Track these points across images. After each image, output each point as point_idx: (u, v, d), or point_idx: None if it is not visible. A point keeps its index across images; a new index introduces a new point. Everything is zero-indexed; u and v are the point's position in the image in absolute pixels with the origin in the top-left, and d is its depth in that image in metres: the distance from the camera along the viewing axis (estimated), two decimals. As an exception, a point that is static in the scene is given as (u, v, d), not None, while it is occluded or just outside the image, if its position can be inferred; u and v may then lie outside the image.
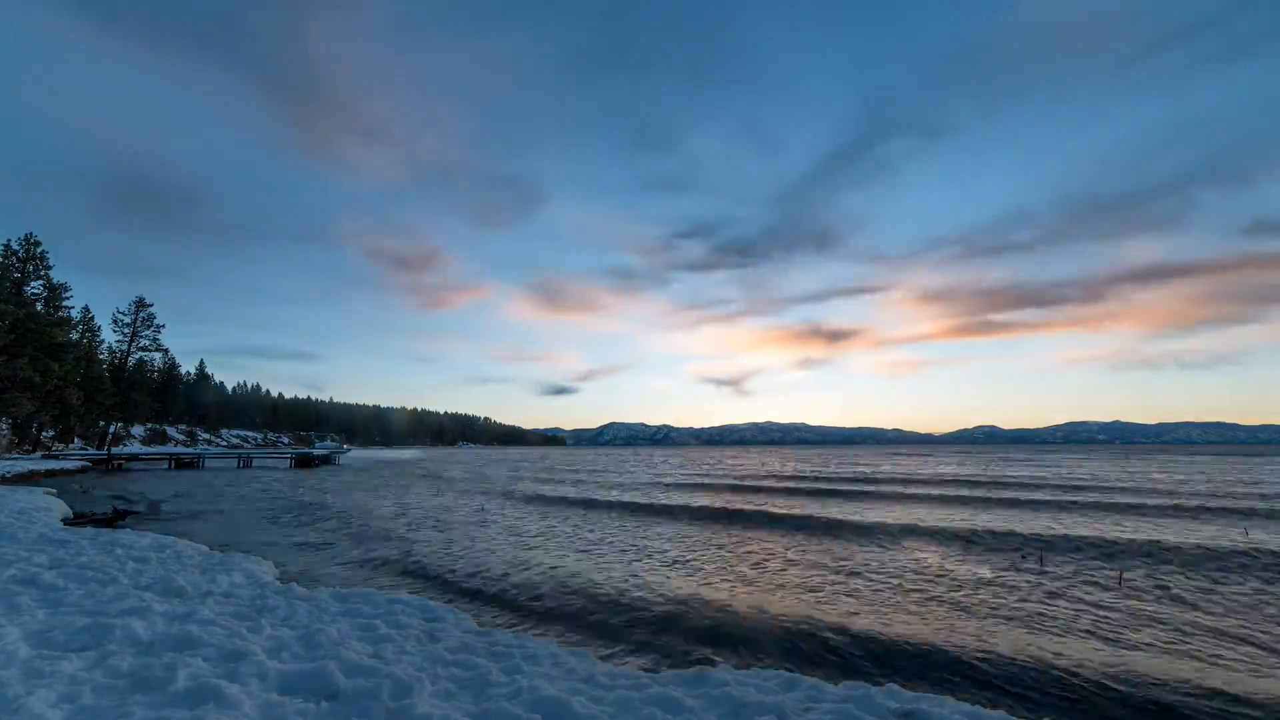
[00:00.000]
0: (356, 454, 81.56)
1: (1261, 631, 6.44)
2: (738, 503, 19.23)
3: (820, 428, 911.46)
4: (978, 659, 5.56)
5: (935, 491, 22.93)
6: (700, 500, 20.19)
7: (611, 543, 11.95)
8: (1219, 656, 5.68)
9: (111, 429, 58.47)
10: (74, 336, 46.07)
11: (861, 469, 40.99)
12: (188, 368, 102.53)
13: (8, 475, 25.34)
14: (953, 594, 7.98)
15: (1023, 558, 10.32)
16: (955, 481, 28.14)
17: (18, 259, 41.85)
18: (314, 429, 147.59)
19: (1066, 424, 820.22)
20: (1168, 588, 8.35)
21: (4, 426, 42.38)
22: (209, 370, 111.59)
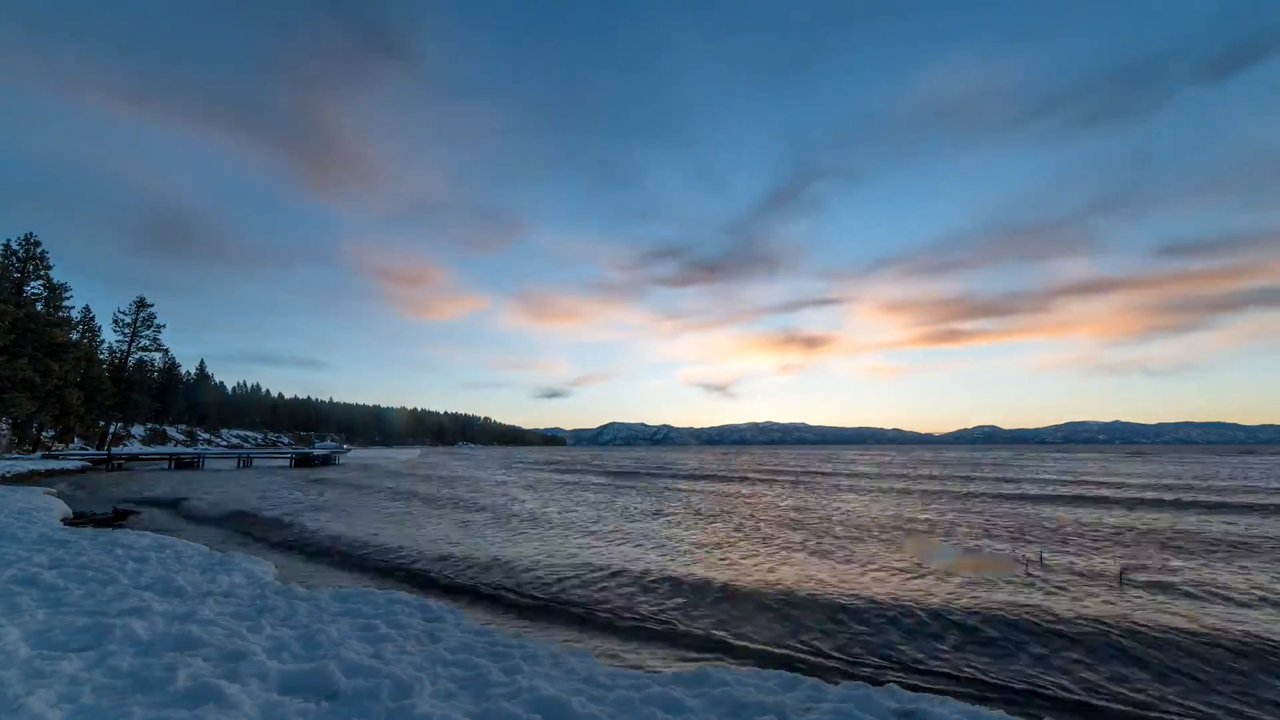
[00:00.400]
0: (356, 454, 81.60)
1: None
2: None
3: (820, 428, 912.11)
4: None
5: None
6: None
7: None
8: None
9: (111, 429, 58.48)
10: (74, 336, 46.09)
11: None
12: (188, 368, 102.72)
13: (8, 475, 25.35)
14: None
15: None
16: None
17: (18, 259, 41.86)
18: (314, 429, 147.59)
19: (1066, 424, 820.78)
20: None
21: (4, 426, 42.39)
22: (209, 370, 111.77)
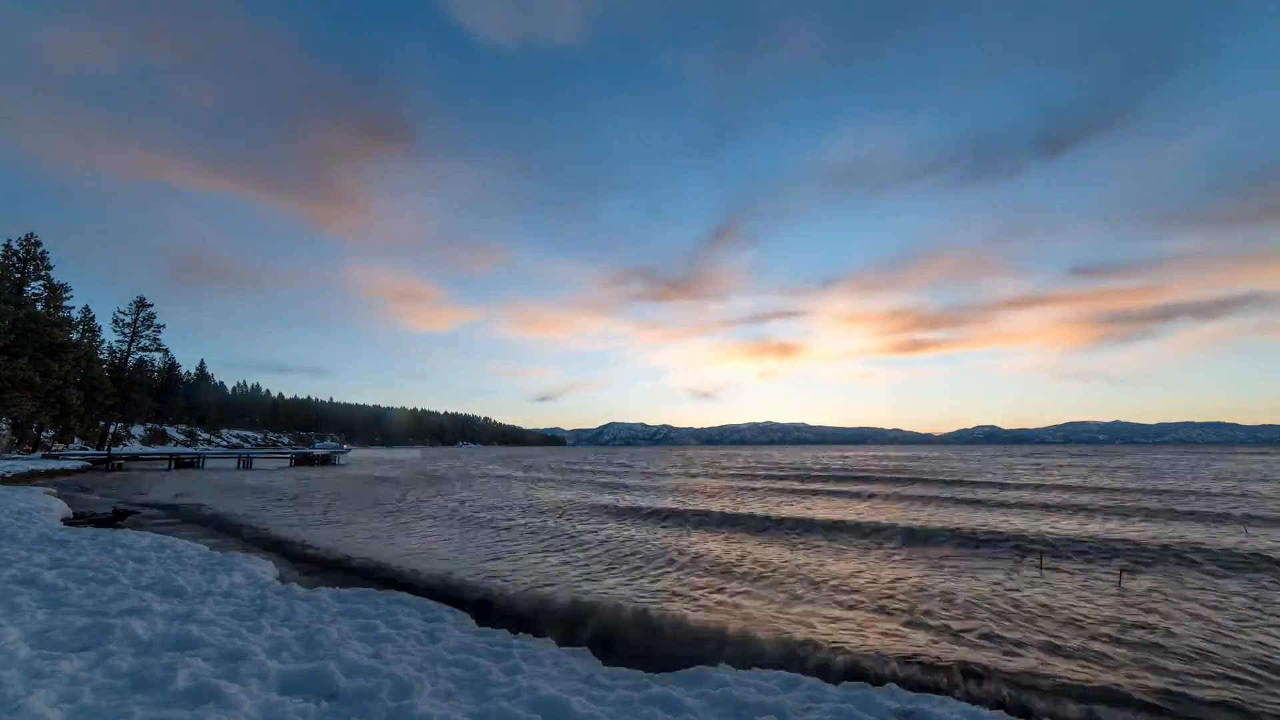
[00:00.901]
0: (356, 454, 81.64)
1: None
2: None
3: (820, 428, 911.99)
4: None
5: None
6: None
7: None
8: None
9: (111, 429, 58.49)
10: (74, 336, 46.10)
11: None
12: (188, 368, 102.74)
13: (8, 475, 25.35)
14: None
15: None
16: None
17: (18, 259, 41.87)
18: (314, 429, 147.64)
19: (1066, 424, 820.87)
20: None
21: (4, 426, 42.40)
22: (209, 371, 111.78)
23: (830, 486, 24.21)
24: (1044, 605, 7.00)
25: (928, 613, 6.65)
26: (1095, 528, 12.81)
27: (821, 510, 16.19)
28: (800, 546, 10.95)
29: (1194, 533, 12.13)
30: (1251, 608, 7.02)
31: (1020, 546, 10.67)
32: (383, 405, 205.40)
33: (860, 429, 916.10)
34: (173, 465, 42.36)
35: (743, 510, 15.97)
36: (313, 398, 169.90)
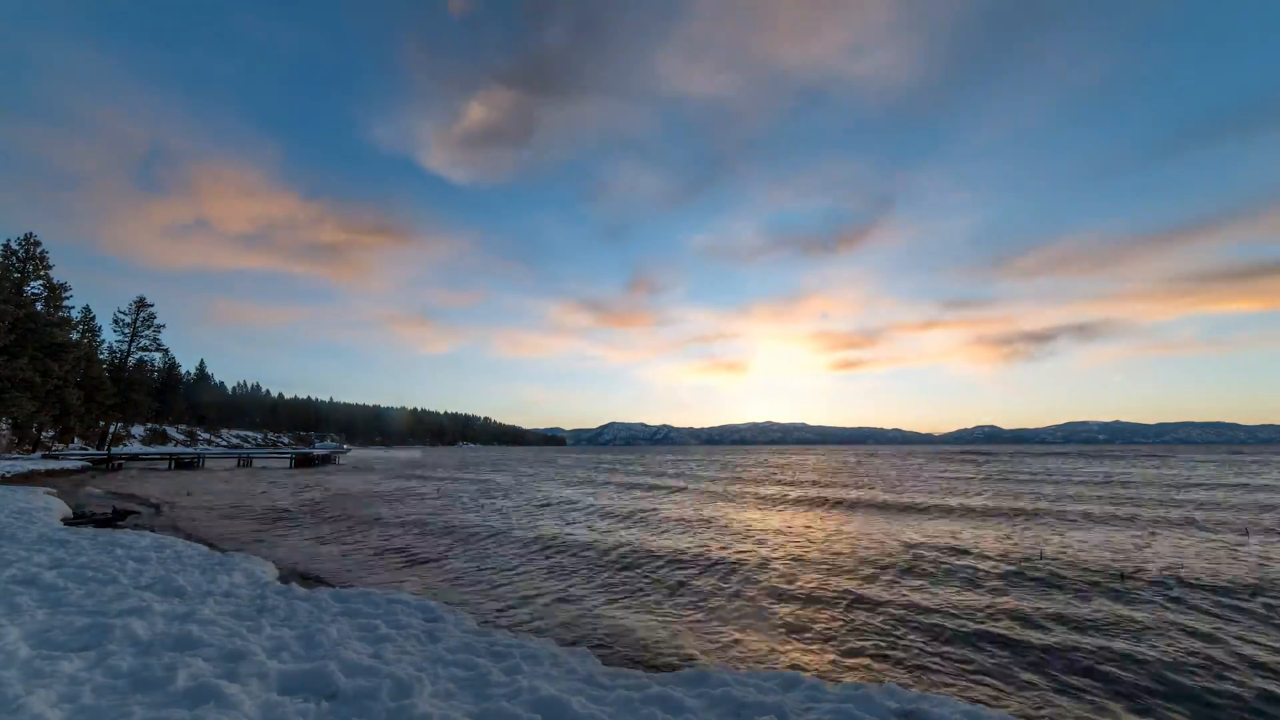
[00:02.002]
0: (356, 454, 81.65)
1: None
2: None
3: (820, 428, 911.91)
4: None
5: None
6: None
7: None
8: None
9: (111, 429, 58.49)
10: (74, 336, 46.09)
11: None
12: (188, 368, 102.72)
13: (8, 475, 25.36)
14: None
15: None
16: None
17: (18, 259, 41.86)
18: (314, 429, 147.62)
19: (1066, 424, 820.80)
20: None
21: (4, 426, 42.40)
22: (209, 370, 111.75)
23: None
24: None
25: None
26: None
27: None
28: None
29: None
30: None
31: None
32: (382, 405, 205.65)
33: (860, 429, 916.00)
34: (173, 465, 42.35)
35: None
36: (313, 398, 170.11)
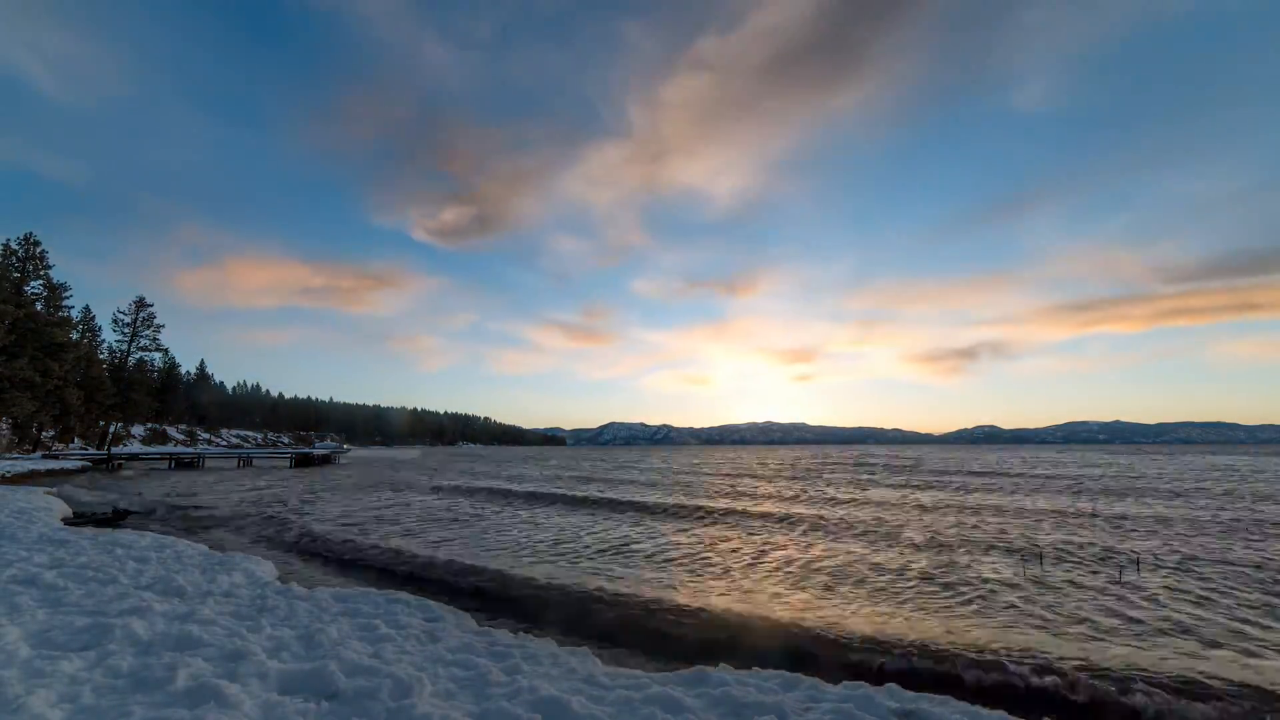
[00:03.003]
0: (356, 453, 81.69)
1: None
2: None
3: (820, 428, 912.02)
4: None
5: None
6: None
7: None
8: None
9: (111, 429, 58.49)
10: (74, 336, 46.11)
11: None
12: (188, 368, 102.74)
13: (8, 475, 25.36)
14: None
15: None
16: None
17: (17, 259, 41.86)
18: (314, 429, 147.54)
19: (1066, 424, 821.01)
20: None
21: (4, 426, 42.40)
22: (209, 370, 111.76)
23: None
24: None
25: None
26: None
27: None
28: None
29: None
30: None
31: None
32: (383, 405, 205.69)
33: (860, 429, 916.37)
34: (173, 465, 42.36)
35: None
36: (313, 398, 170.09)
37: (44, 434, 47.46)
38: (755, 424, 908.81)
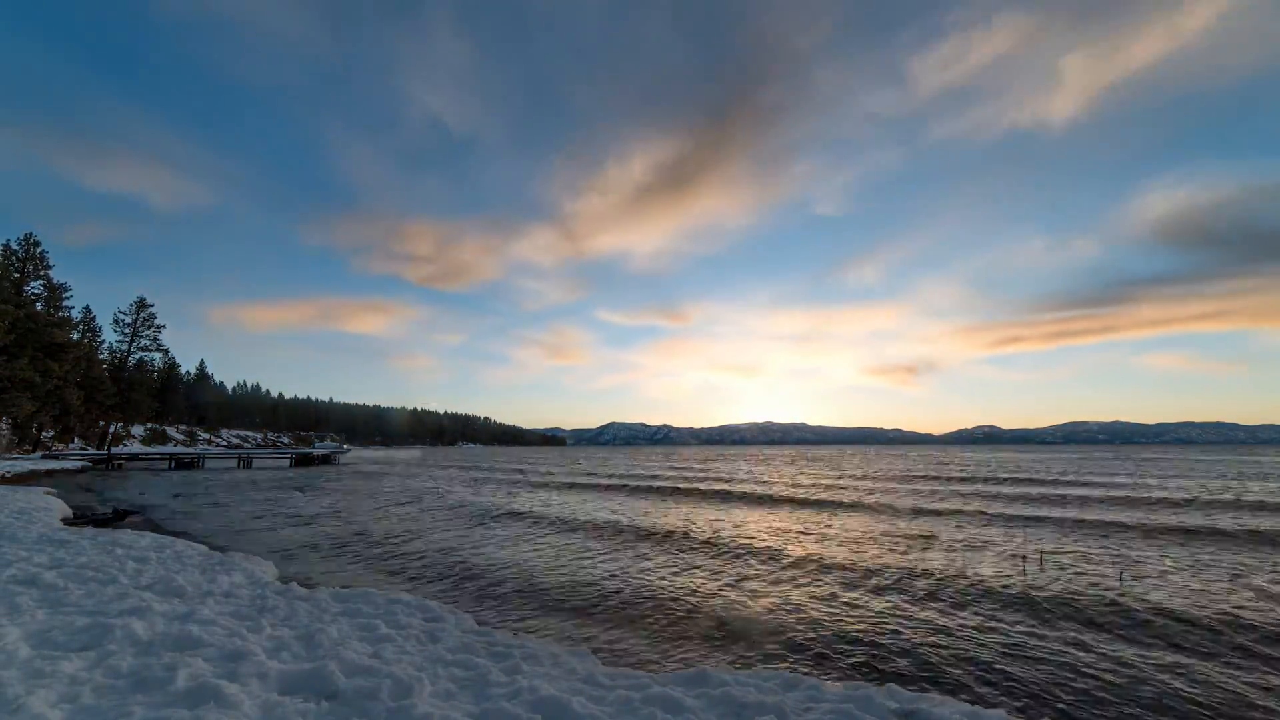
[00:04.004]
0: (356, 454, 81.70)
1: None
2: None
3: (820, 428, 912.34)
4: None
5: None
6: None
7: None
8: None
9: (111, 429, 58.47)
10: (74, 336, 46.09)
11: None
12: (188, 368, 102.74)
13: (8, 475, 25.35)
14: None
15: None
16: None
17: (17, 259, 41.86)
18: (314, 429, 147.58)
19: (1066, 424, 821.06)
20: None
21: (4, 426, 42.39)
22: (209, 370, 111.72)
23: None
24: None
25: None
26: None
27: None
28: None
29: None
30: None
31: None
32: (383, 405, 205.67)
33: (860, 429, 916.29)
34: (173, 465, 42.35)
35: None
36: (313, 398, 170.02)
37: (44, 434, 47.45)
38: (755, 424, 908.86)
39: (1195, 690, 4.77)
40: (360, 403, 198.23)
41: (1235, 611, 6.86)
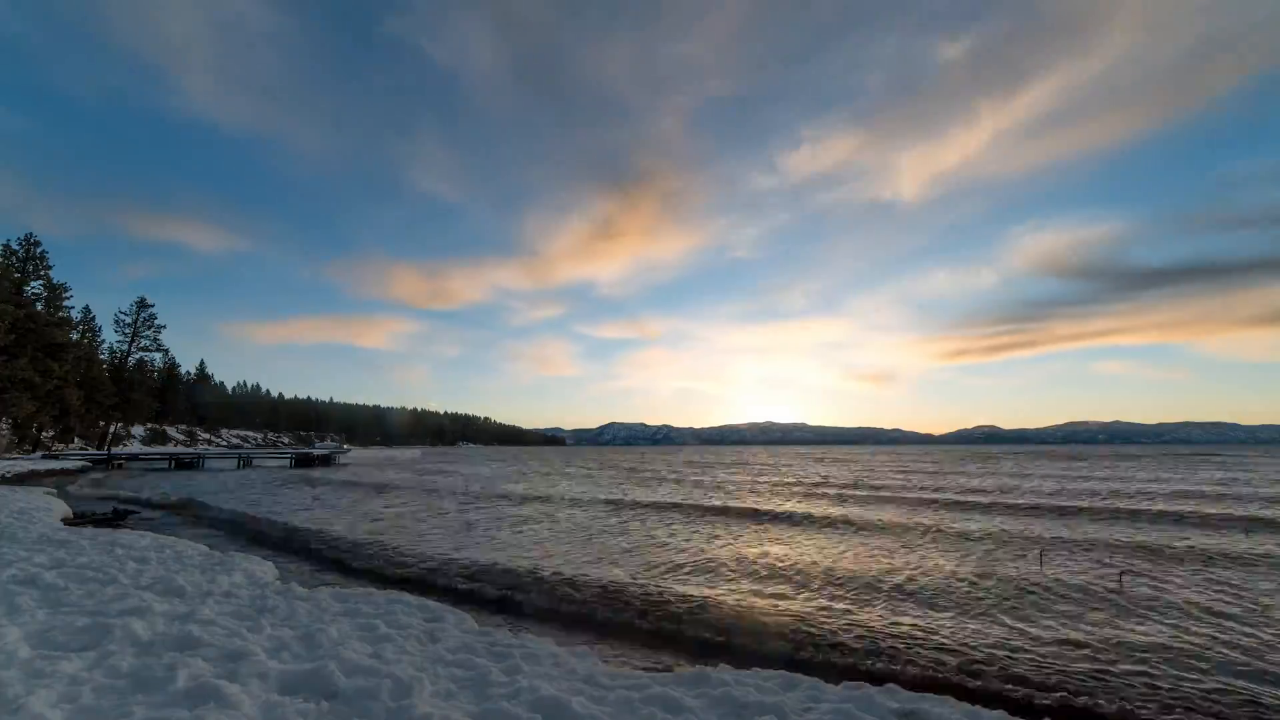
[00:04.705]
0: (357, 453, 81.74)
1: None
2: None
3: (820, 428, 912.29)
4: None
5: None
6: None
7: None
8: None
9: (111, 429, 58.47)
10: (74, 336, 46.10)
11: None
12: (188, 368, 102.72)
13: (8, 475, 25.36)
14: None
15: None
16: None
17: (17, 259, 41.86)
18: (314, 429, 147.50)
19: (1066, 424, 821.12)
20: None
21: (4, 426, 42.38)
22: (209, 370, 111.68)
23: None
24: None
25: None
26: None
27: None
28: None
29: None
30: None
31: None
32: (382, 405, 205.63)
33: (860, 429, 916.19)
34: (173, 465, 42.35)
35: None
36: (313, 398, 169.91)
37: (44, 434, 47.44)
38: (756, 424, 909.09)
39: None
40: (360, 403, 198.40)
41: None
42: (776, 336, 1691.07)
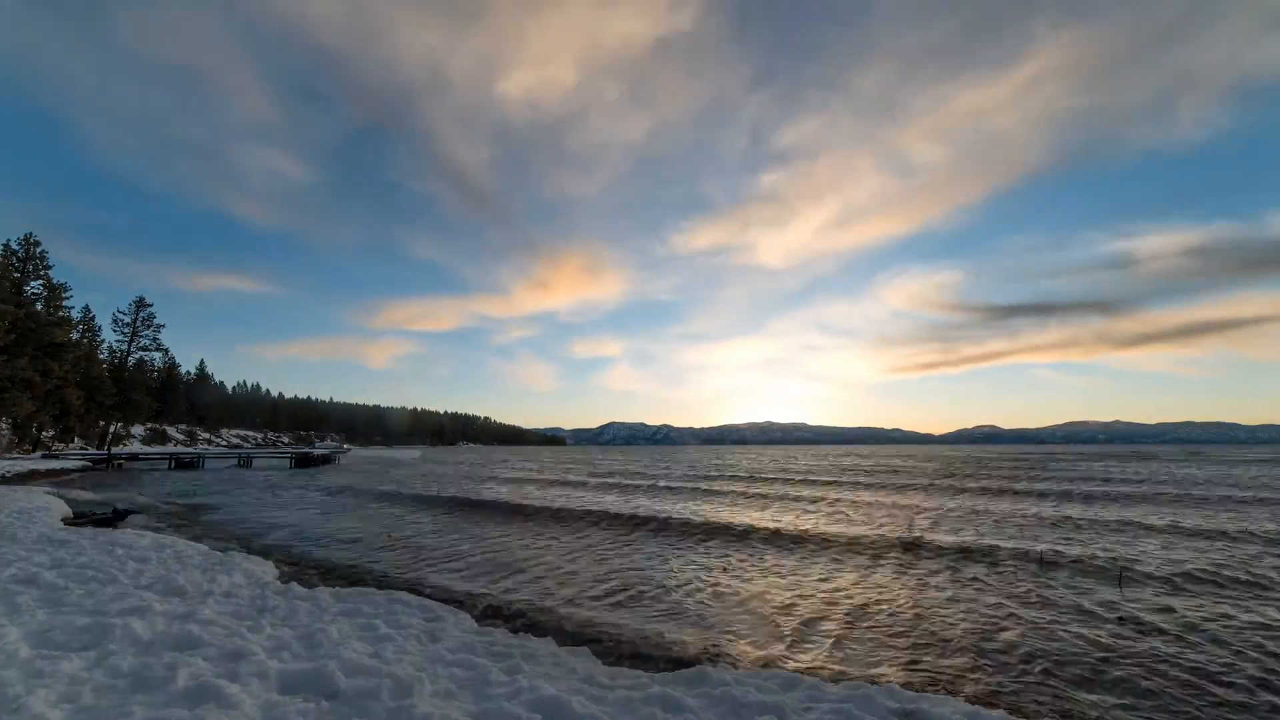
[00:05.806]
0: (357, 453, 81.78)
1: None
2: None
3: (820, 428, 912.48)
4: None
5: None
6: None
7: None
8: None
9: (111, 429, 58.46)
10: (74, 336, 46.07)
11: None
12: (188, 368, 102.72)
13: (8, 475, 25.34)
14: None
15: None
16: None
17: (17, 259, 41.84)
18: (314, 429, 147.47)
19: (1066, 424, 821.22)
20: None
21: (4, 426, 42.37)
22: (209, 370, 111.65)
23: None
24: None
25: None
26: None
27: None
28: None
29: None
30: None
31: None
32: (382, 405, 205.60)
33: (861, 429, 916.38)
34: (173, 465, 42.33)
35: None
36: (313, 398, 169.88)
37: (44, 434, 47.42)
38: (755, 424, 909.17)
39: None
40: (360, 402, 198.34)
41: None
42: (735, 351, 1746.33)
